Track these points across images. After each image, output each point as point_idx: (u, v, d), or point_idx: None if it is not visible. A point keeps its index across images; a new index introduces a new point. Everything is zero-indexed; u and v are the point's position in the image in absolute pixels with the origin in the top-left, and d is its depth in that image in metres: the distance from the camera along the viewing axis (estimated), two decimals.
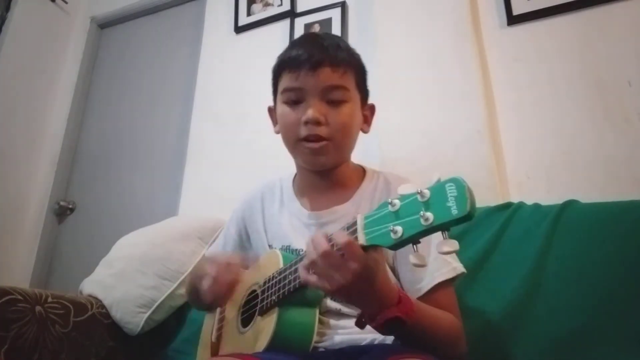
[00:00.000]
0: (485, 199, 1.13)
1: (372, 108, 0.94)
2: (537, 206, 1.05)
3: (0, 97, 2.13)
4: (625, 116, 1.18)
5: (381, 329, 0.62)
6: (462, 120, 1.28)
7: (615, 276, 0.86)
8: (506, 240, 1.00)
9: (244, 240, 1.02)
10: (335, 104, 0.83)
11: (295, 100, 0.84)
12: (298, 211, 0.92)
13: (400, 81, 1.38)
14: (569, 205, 1.00)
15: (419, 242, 0.52)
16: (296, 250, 0.87)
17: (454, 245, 0.49)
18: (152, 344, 1.26)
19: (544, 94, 1.29)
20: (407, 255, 0.53)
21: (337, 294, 0.61)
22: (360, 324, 0.64)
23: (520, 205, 1.07)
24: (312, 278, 0.61)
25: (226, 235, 1.04)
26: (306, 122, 0.81)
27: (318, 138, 0.81)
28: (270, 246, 0.93)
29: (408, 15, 1.46)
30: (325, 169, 0.88)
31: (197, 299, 0.87)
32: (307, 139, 0.82)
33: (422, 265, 0.52)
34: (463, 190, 0.48)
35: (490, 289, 0.96)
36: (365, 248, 0.56)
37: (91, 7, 2.53)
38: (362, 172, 0.93)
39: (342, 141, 0.84)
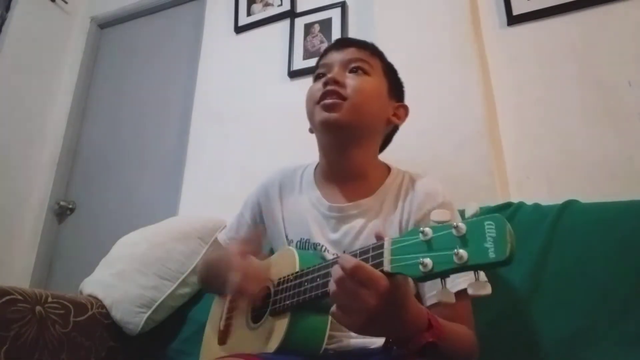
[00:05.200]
0: (485, 199, 1.14)
1: (405, 107, 0.95)
2: (537, 206, 1.05)
3: (0, 97, 2.13)
4: (625, 116, 1.18)
5: (415, 355, 0.58)
6: (462, 120, 1.28)
7: (615, 276, 0.86)
8: None
9: None
10: (356, 72, 0.86)
11: (322, 74, 0.88)
12: (317, 201, 0.89)
13: None
14: (569, 205, 1.00)
15: (448, 277, 0.49)
16: (314, 244, 0.85)
17: (487, 288, 0.46)
18: (152, 344, 1.26)
19: (543, 93, 1.29)
20: None
21: (365, 327, 0.54)
22: (387, 350, 0.62)
23: (520, 205, 1.06)
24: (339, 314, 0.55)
25: (239, 220, 1.03)
26: (325, 84, 0.84)
27: (333, 93, 0.83)
28: (287, 237, 0.91)
29: (408, 15, 1.46)
30: (340, 134, 0.85)
31: (211, 284, 0.87)
32: (324, 96, 0.83)
33: (449, 303, 0.48)
34: (503, 232, 0.44)
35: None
36: (389, 274, 0.52)
37: (91, 7, 2.53)
38: (387, 168, 0.92)
39: (358, 104, 0.83)
